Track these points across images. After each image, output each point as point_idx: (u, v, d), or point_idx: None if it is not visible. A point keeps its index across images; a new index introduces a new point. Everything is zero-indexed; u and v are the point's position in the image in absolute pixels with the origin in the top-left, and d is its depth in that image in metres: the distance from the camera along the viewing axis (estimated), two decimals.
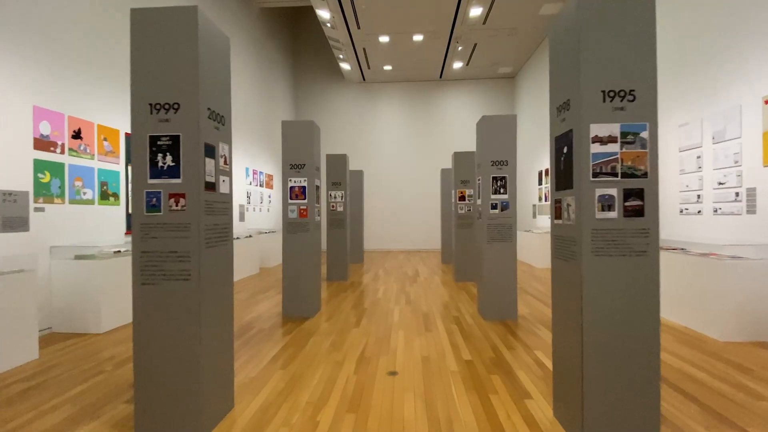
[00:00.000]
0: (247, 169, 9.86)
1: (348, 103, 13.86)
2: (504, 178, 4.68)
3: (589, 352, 2.11)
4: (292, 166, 4.85)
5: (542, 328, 4.37)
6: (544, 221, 10.54)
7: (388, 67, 12.42)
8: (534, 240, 9.45)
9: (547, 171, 10.38)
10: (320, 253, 5.19)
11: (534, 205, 11.41)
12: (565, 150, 2.29)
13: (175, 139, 2.26)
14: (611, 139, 2.12)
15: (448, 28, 9.91)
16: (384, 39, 10.43)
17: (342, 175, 7.56)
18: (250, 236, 8.41)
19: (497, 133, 4.67)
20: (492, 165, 4.68)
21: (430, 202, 13.57)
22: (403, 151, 13.78)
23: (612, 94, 2.12)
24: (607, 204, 2.11)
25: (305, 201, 4.83)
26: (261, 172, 10.83)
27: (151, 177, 2.28)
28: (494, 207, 4.68)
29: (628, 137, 2.12)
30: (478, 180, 4.92)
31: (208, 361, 2.33)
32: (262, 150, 11.06)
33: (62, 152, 4.70)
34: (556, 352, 2.44)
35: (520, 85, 13.02)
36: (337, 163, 7.58)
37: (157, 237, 2.26)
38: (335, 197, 7.53)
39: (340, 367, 3.30)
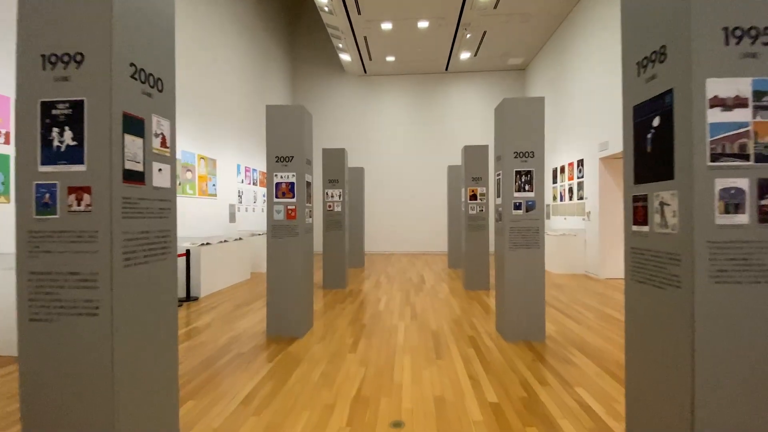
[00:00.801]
0: (238, 166, 9.15)
1: (348, 98, 13.13)
2: (529, 172, 3.93)
3: (704, 429, 1.36)
4: (278, 158, 4.11)
5: (577, 353, 3.62)
6: (559, 222, 9.78)
7: (390, 58, 11.68)
8: (550, 242, 8.68)
9: (562, 168, 9.61)
10: (312, 261, 4.46)
11: (548, 205, 10.64)
12: (655, 122, 1.55)
13: (78, 107, 1.53)
14: (739, 102, 1.37)
15: (456, 13, 9.16)
16: (386, 26, 9.69)
17: (340, 171, 6.82)
18: (240, 239, 7.68)
19: (521, 119, 3.92)
20: (515, 157, 3.93)
21: (435, 202, 12.82)
22: (407, 148, 13.03)
23: (739, 32, 1.37)
24: (733, 203, 1.36)
25: (294, 200, 4.09)
26: (254, 170, 10.12)
27: (43, 163, 1.55)
28: (518, 207, 3.93)
29: (764, 99, 1.37)
30: (497, 175, 4.17)
31: (130, 427, 1.60)
32: (255, 146, 10.34)
33: (6, 142, 3.98)
34: (634, 417, 1.69)
35: (531, 77, 12.25)
36: (335, 158, 6.85)
37: (51, 251, 1.53)
38: (332, 196, 6.79)
39: (330, 412, 2.56)
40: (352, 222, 9.30)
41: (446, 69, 12.65)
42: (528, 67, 12.47)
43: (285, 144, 4.10)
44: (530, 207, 3.93)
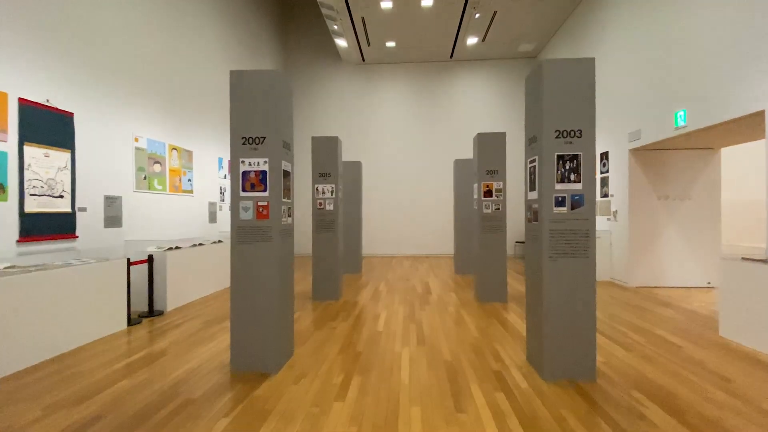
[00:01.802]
0: (220, 160, 8.19)
1: (346, 88, 12.17)
2: (576, 157, 2.98)
3: None
4: (245, 139, 3.16)
5: (644, 400, 2.67)
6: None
7: (390, 44, 10.72)
8: None
9: (605, 155, 8.64)
10: (292, 273, 3.51)
11: None
12: None
13: None
14: None
15: None
16: (386, 5, 8.74)
17: (332, 163, 5.87)
18: (220, 241, 6.73)
19: (565, 87, 2.98)
20: (557, 137, 2.98)
21: (440, 200, 11.87)
22: (409, 142, 12.08)
23: None
24: None
25: (266, 193, 3.14)
26: None
27: None
28: (560, 203, 2.98)
29: None
30: (531, 162, 3.23)
31: None
32: None
33: None
34: None
35: None
36: (326, 147, 5.89)
37: None
38: (323, 192, 5.84)
39: None
40: (347, 222, 8.36)
41: (451, 56, 11.69)
42: (540, 54, 11.52)
43: (255, 121, 3.15)
44: (577, 203, 2.98)
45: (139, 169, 5.68)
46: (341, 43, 10.58)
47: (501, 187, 5.61)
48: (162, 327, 4.51)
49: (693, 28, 5.30)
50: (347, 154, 12.04)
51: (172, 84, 6.60)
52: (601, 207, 7.78)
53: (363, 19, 9.38)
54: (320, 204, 5.85)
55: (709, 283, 6.73)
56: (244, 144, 3.15)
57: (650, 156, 6.81)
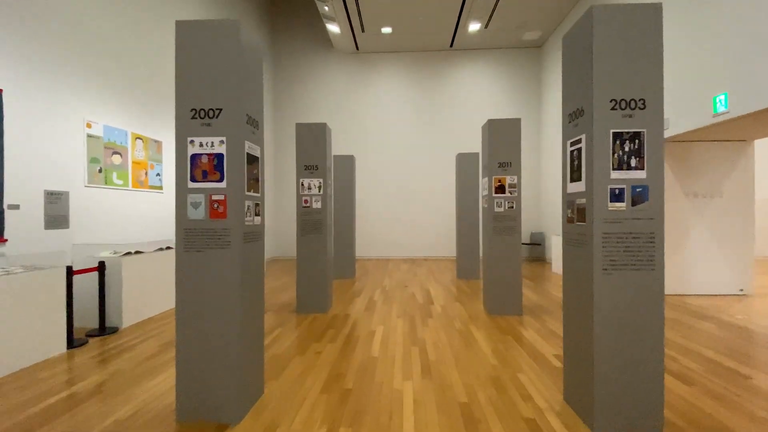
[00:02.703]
0: None
1: (339, 78, 11.37)
2: (638, 135, 2.23)
3: None
4: (195, 112, 2.37)
5: None
6: None
7: (386, 30, 9.94)
8: None
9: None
10: (261, 288, 2.71)
11: None
12: None
13: None
14: None
15: None
16: None
17: (319, 154, 5.08)
18: None
19: (624, 41, 2.23)
20: (613, 108, 2.23)
21: (440, 197, 11.12)
22: (406, 136, 11.30)
23: None
24: None
25: (222, 184, 2.36)
26: None
27: None
28: (617, 197, 2.23)
29: None
30: (574, 145, 2.47)
31: None
32: None
33: None
34: None
35: (548, 57, 10.59)
36: (312, 136, 5.10)
37: None
38: (309, 188, 5.05)
39: None
40: (340, 222, 7.58)
41: (451, 45, 10.94)
42: (545, 44, 10.81)
43: (207, 87, 2.36)
44: (639, 197, 2.23)
45: (93, 160, 4.86)
46: (333, 28, 9.79)
47: (515, 182, 4.86)
48: (110, 349, 3.71)
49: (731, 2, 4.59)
50: (340, 149, 11.25)
51: (138, 64, 5.77)
52: None
53: (356, 1, 8.59)
54: (306, 201, 5.05)
55: (741, 290, 6.04)
56: (193, 118, 2.36)
57: (677, 148, 6.11)
